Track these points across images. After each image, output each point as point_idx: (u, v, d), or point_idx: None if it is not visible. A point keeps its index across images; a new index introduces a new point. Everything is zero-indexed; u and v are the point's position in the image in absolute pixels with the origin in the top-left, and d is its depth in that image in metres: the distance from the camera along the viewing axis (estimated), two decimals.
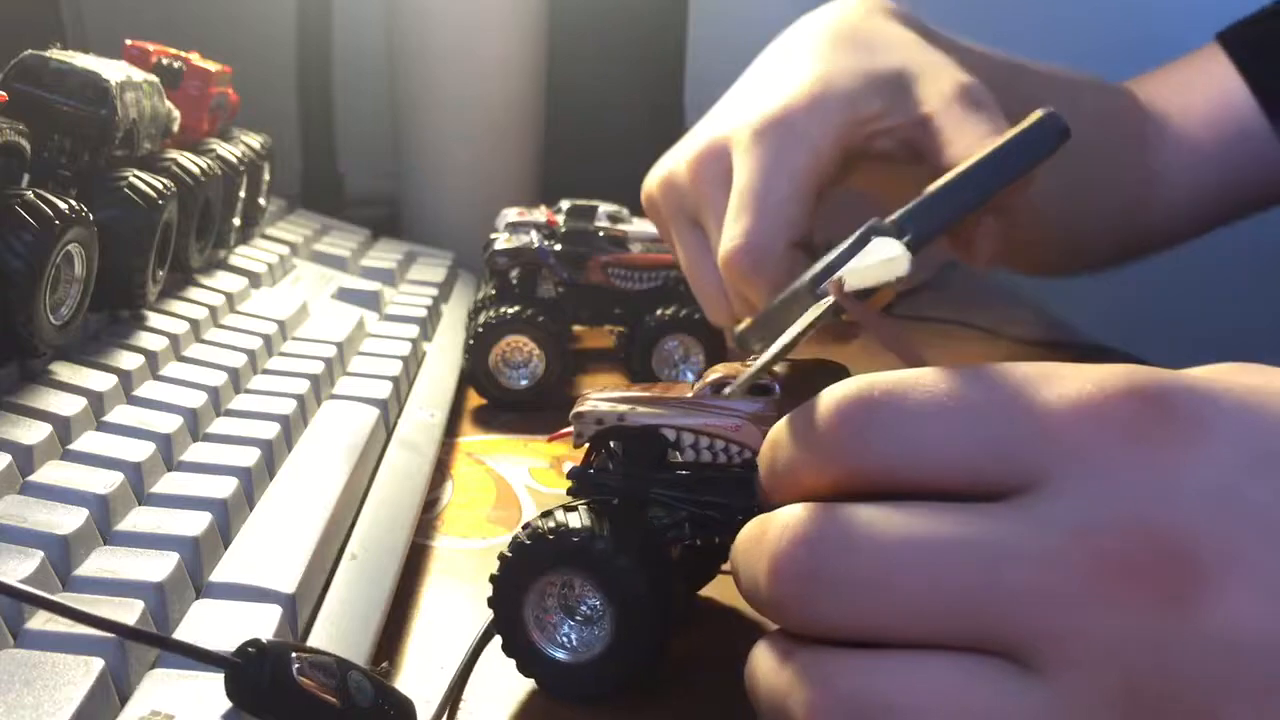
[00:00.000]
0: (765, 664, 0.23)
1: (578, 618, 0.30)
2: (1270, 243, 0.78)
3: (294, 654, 0.23)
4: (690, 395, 0.29)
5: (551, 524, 0.29)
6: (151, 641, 0.24)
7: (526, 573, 0.29)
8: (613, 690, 0.30)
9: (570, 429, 0.30)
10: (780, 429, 0.24)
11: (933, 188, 0.27)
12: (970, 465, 0.21)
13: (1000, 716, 0.20)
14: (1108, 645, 0.19)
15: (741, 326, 0.34)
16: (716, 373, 0.30)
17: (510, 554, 0.29)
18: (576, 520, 0.29)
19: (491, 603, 0.30)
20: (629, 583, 0.28)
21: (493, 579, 0.30)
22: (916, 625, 0.20)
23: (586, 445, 0.30)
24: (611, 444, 0.30)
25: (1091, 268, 0.60)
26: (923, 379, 0.22)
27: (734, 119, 0.42)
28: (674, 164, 0.44)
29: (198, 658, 0.22)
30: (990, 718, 0.20)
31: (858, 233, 0.26)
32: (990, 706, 0.20)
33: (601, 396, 0.30)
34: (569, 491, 0.30)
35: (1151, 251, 0.58)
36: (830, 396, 0.22)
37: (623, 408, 0.29)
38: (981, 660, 0.20)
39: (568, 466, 0.31)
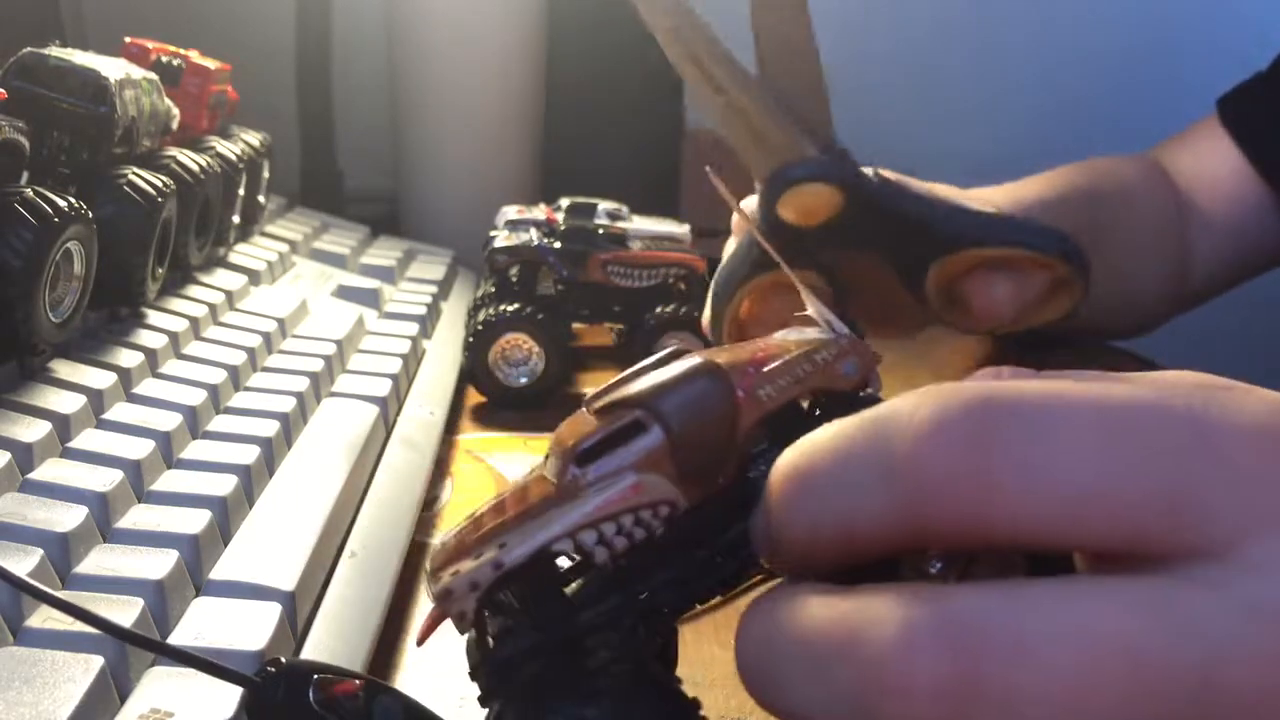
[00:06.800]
0: (809, 606, 0.17)
1: None
2: None
3: (315, 675, 0.22)
4: (554, 483, 0.21)
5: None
6: (176, 656, 0.23)
7: None
8: None
9: (436, 616, 0.21)
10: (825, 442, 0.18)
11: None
12: (1133, 519, 0.16)
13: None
14: None
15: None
16: (674, 341, 0.25)
17: None
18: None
19: None
20: None
21: None
22: None
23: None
24: (500, 597, 0.22)
25: (1146, 328, 0.66)
26: (1063, 391, 0.17)
27: None
28: None
29: (218, 675, 0.22)
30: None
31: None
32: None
33: (451, 548, 0.21)
34: (483, 691, 0.21)
35: (1194, 306, 0.66)
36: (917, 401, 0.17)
37: (489, 553, 0.20)
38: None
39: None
